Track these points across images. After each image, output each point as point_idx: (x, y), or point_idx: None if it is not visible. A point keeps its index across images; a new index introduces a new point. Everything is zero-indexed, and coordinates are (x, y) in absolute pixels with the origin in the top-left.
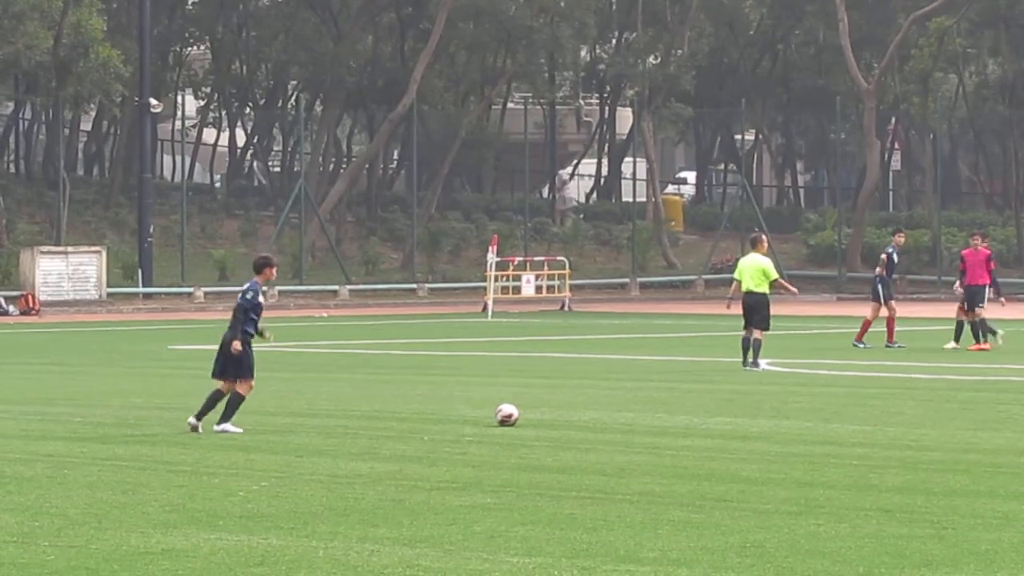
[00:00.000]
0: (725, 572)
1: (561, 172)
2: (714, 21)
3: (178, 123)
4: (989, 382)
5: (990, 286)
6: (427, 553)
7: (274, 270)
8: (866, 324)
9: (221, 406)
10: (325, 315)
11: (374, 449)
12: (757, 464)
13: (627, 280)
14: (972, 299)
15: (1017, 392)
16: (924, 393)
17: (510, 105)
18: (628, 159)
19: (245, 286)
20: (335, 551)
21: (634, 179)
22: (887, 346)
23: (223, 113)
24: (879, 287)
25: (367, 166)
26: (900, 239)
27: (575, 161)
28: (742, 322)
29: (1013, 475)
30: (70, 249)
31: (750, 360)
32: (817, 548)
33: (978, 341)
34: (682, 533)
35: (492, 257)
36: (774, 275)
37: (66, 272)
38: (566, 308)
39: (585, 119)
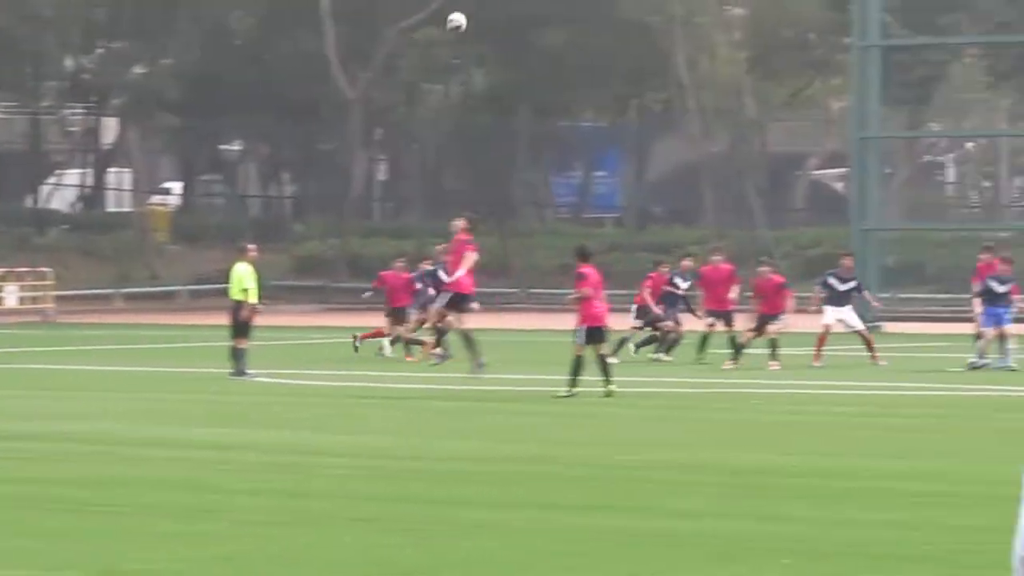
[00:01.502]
0: None
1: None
2: (202, 31)
3: None
4: (473, 391)
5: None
6: None
7: None
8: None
9: None
10: None
11: None
12: (242, 474)
13: (112, 291)
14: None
15: (496, 401)
16: (400, 403)
17: None
18: (114, 169)
19: None
20: None
21: (120, 189)
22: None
23: None
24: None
25: None
26: (688, 263)
27: (60, 171)
28: (229, 332)
29: (489, 483)
30: None
31: (236, 369)
32: (301, 558)
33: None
34: (167, 544)
35: None
36: (246, 285)
37: None
38: (49, 319)
39: (70, 129)
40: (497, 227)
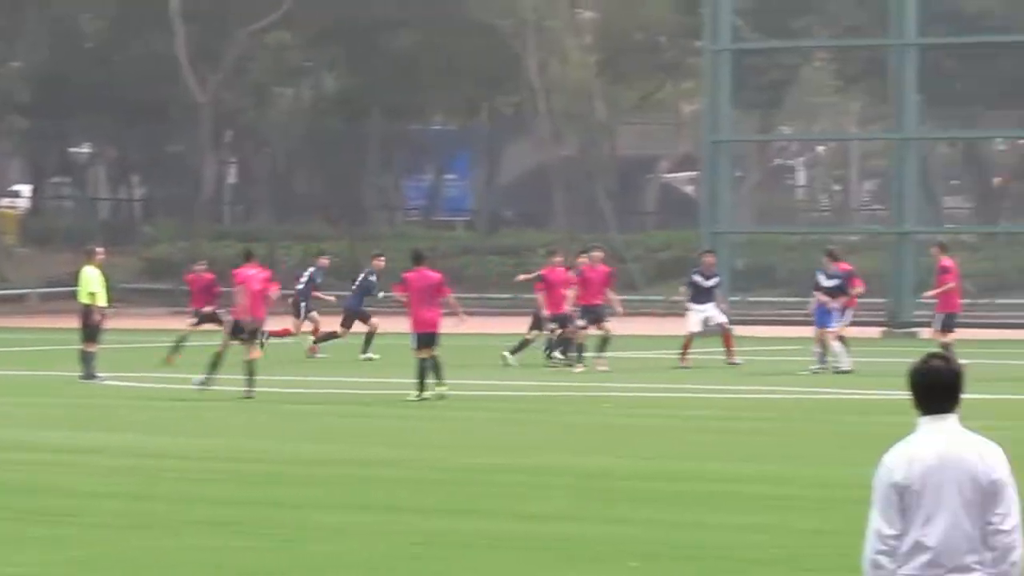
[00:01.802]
0: None
1: None
2: (51, 32)
3: None
4: (313, 395)
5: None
6: None
7: None
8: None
9: None
10: None
11: None
12: (91, 478)
13: None
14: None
15: (342, 404)
16: (250, 405)
17: None
18: None
19: None
20: None
21: None
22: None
23: None
24: (303, 304)
25: None
26: (379, 263)
27: None
28: (79, 336)
29: (344, 486)
30: None
31: (85, 373)
32: (151, 562)
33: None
34: (17, 548)
35: None
36: (93, 289)
37: None
38: None
39: None
40: (348, 231)
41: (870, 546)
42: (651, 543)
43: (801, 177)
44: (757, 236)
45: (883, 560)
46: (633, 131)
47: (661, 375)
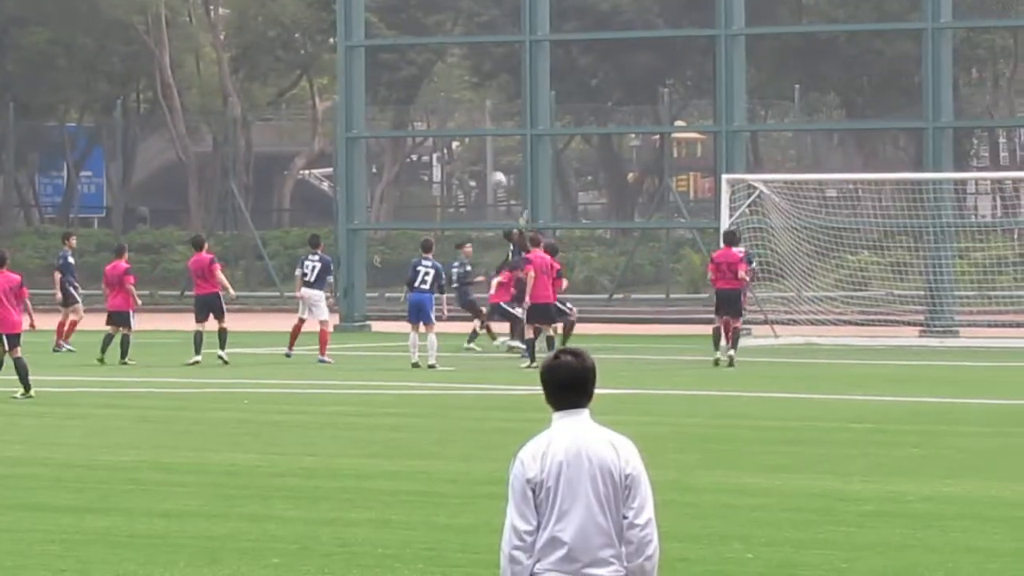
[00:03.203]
0: None
1: None
2: None
3: None
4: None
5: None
6: None
7: None
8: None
9: None
10: None
11: None
12: None
13: None
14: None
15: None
16: None
17: None
18: None
19: None
20: None
21: None
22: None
23: None
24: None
25: None
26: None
27: None
28: None
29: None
30: None
31: None
32: None
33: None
34: None
35: None
36: None
37: None
38: None
39: None
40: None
41: (506, 541)
42: (292, 540)
43: (437, 173)
44: (394, 232)
45: (519, 555)
46: (269, 127)
47: (304, 371)
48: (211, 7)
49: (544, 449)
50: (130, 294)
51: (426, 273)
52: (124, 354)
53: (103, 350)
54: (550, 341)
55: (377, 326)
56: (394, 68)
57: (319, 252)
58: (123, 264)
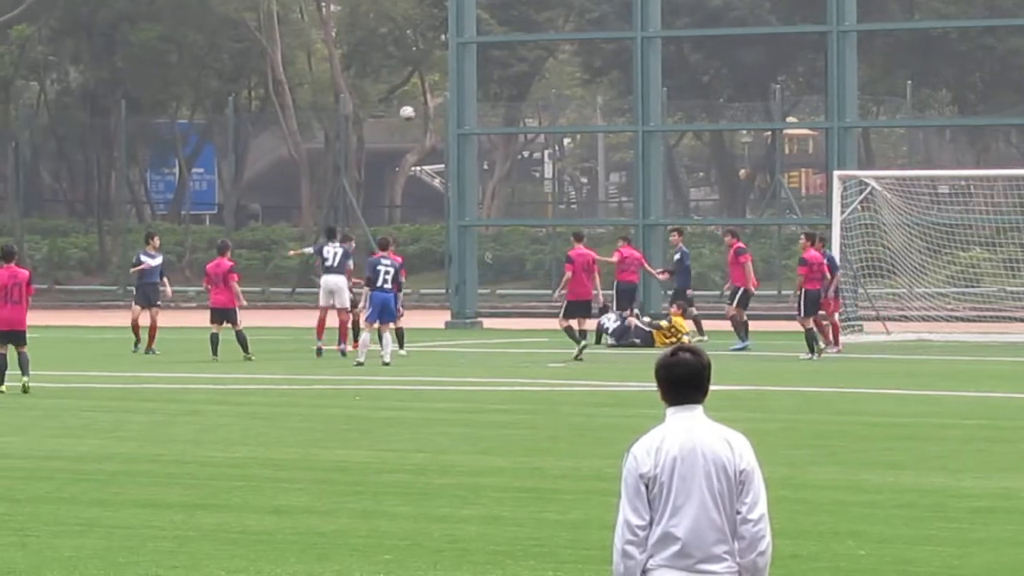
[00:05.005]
0: None
1: None
2: None
3: None
4: (76, 389)
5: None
6: None
7: None
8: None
9: None
10: None
11: None
12: None
13: None
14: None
15: (99, 399)
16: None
17: None
18: None
19: None
20: None
21: None
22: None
23: None
24: None
25: None
26: None
27: None
28: None
29: (96, 482)
30: None
31: None
32: None
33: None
34: None
35: None
36: None
37: None
38: None
39: None
40: (96, 225)
41: (619, 536)
42: (403, 536)
43: (548, 170)
44: (505, 228)
45: (632, 550)
46: (380, 124)
47: (418, 368)
48: (323, 4)
49: (658, 444)
50: (234, 292)
51: (386, 272)
52: (245, 348)
53: (214, 351)
54: (582, 334)
55: (488, 323)
56: (505, 65)
57: (338, 243)
58: (227, 262)
